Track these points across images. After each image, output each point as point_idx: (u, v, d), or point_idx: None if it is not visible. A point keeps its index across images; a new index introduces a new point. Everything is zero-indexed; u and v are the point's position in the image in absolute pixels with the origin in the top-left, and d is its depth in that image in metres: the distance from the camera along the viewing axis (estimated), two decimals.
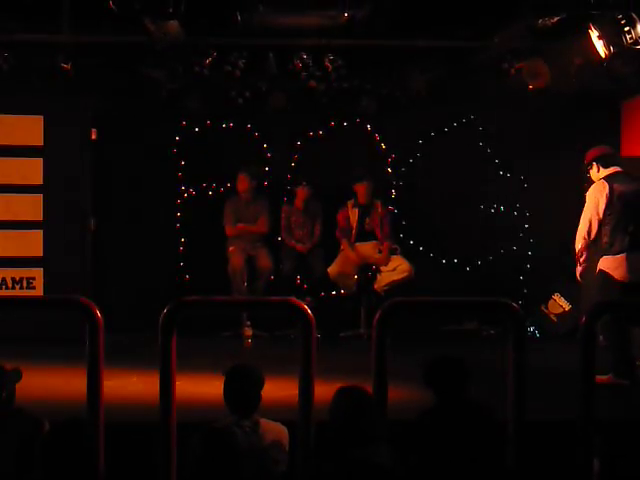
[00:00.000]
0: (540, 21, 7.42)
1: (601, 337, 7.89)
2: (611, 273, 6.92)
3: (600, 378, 6.31)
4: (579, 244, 7.01)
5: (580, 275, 7.12)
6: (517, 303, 4.61)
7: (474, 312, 9.19)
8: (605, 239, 6.93)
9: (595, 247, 7.03)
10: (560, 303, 9.47)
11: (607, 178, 7.02)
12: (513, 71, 8.93)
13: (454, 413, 4.50)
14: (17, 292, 8.96)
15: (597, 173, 7.15)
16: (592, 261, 7.06)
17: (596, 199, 6.96)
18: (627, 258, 6.89)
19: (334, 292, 9.70)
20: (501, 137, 9.76)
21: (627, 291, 6.88)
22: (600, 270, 6.96)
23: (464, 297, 7.78)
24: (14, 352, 6.97)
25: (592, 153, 7.27)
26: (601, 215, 6.92)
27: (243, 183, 9.47)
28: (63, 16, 8.11)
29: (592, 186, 7.10)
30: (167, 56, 8.75)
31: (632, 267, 6.89)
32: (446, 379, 4.56)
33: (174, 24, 7.76)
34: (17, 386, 4.75)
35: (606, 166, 7.14)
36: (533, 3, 6.92)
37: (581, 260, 7.01)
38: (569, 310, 9.22)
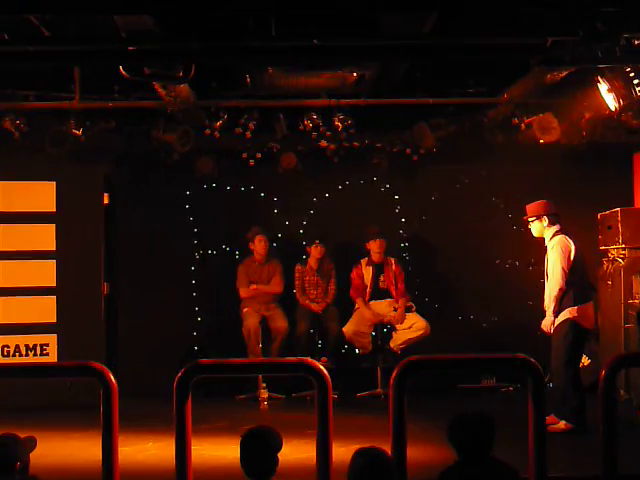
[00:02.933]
0: (549, 76, 7.45)
1: (622, 391, 7.87)
2: (580, 322, 7.30)
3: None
4: (554, 294, 7.26)
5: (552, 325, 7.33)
6: (535, 359, 4.56)
7: (492, 369, 9.12)
8: (570, 291, 7.28)
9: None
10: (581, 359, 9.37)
11: (564, 234, 7.39)
12: (523, 126, 8.96)
13: (478, 473, 4.39)
14: (31, 359, 8.92)
15: (545, 227, 7.48)
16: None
17: (567, 252, 7.32)
18: (587, 308, 7.40)
19: (349, 352, 9.61)
20: (513, 192, 9.74)
21: (587, 338, 7.77)
22: (569, 319, 7.27)
23: (481, 354, 7.70)
24: (29, 419, 6.94)
25: (544, 207, 7.54)
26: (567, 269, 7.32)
27: (261, 243, 9.46)
28: (75, 82, 8.21)
29: (557, 239, 7.38)
30: (178, 119, 8.82)
31: (592, 316, 7.53)
32: (473, 437, 4.45)
33: (184, 87, 7.83)
34: (32, 454, 4.69)
35: (554, 223, 7.50)
36: (542, 58, 6.94)
37: (553, 310, 7.28)
38: (588, 364, 9.10)
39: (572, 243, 7.36)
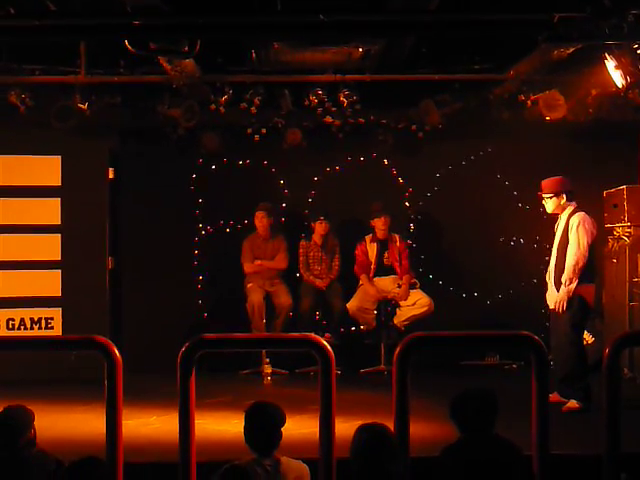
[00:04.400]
0: (555, 52, 7.42)
1: (626, 369, 7.88)
2: (587, 299, 7.28)
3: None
4: (579, 266, 7.19)
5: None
6: (539, 336, 4.56)
7: (496, 346, 9.13)
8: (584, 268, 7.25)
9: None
10: (583, 336, 9.37)
11: (583, 211, 7.35)
12: (529, 103, 8.93)
13: (481, 449, 4.41)
14: (36, 332, 8.96)
15: (561, 204, 7.40)
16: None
17: (592, 230, 7.29)
18: (593, 288, 7.40)
19: (354, 328, 9.64)
20: (519, 169, 9.73)
21: (591, 317, 7.77)
22: (578, 295, 7.21)
23: (485, 331, 7.72)
24: (33, 393, 6.97)
25: (563, 183, 7.47)
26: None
27: (261, 220, 9.46)
28: (80, 57, 8.19)
29: (581, 216, 7.29)
30: (183, 94, 8.80)
31: (594, 297, 7.48)
32: (475, 413, 4.46)
33: (190, 62, 7.81)
34: (36, 427, 4.72)
35: (571, 199, 7.45)
36: (548, 35, 6.90)
37: (569, 284, 7.21)
38: (592, 343, 9.11)
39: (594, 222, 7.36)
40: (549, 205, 7.49)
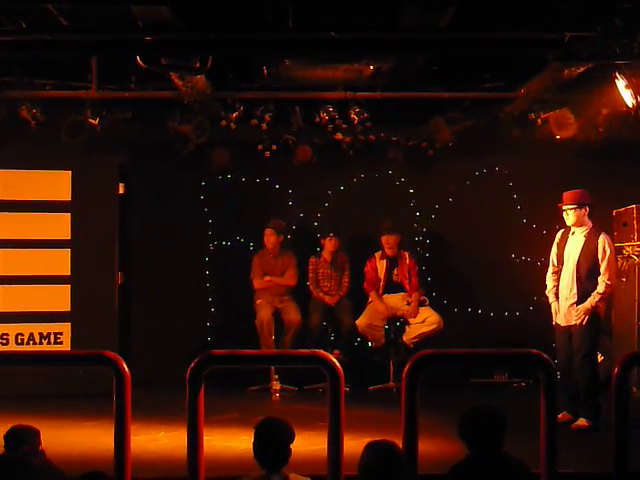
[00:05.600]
0: (566, 71, 7.43)
1: (634, 388, 7.85)
2: (601, 316, 7.44)
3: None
4: (611, 283, 7.35)
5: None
6: (547, 355, 4.55)
7: (505, 364, 9.10)
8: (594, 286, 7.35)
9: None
10: None
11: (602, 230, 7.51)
12: (540, 121, 8.93)
13: (489, 467, 4.39)
14: (45, 347, 8.95)
15: (583, 217, 7.43)
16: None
17: (613, 249, 7.45)
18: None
19: (362, 345, 9.61)
20: (528, 187, 9.72)
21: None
22: (596, 313, 7.33)
23: (494, 349, 7.69)
24: (42, 408, 6.97)
25: (588, 197, 7.51)
26: None
27: (270, 238, 9.47)
28: (91, 72, 8.22)
29: (607, 237, 7.44)
30: (194, 110, 8.83)
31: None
32: (484, 431, 4.44)
33: (201, 79, 7.84)
34: (45, 442, 4.72)
35: (590, 215, 7.50)
36: (559, 54, 6.92)
37: (599, 300, 7.35)
38: (601, 361, 9.07)
39: None
40: (571, 217, 7.44)
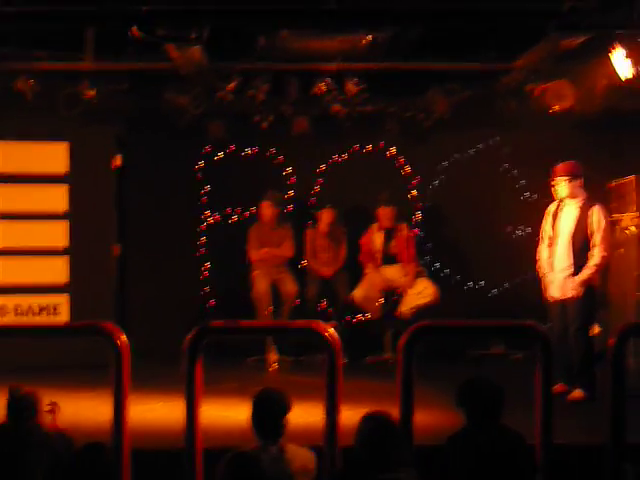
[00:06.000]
0: (564, 42, 7.39)
1: (631, 359, 7.88)
2: (595, 288, 7.48)
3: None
4: (606, 255, 7.33)
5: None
6: (544, 326, 4.57)
7: (501, 335, 9.13)
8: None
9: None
10: None
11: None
12: (537, 93, 8.89)
13: (486, 438, 4.42)
14: (43, 319, 8.98)
15: (577, 189, 7.42)
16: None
17: (608, 220, 7.44)
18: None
19: (359, 316, 9.65)
20: (526, 159, 9.71)
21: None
22: (592, 286, 7.38)
23: (490, 320, 7.72)
24: (40, 379, 6.99)
25: (580, 168, 7.51)
26: None
27: (266, 210, 9.47)
28: (87, 43, 8.18)
29: (599, 208, 7.38)
30: (191, 82, 8.80)
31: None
32: (483, 402, 4.47)
33: (197, 50, 7.81)
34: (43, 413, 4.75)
35: (583, 186, 7.49)
36: (557, 24, 6.88)
37: (595, 271, 7.38)
38: (598, 333, 9.10)
39: None
40: (563, 189, 7.45)
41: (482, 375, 4.66)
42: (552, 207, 7.62)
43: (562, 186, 7.44)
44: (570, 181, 7.39)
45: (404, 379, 4.37)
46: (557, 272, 7.43)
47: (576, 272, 7.31)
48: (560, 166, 7.48)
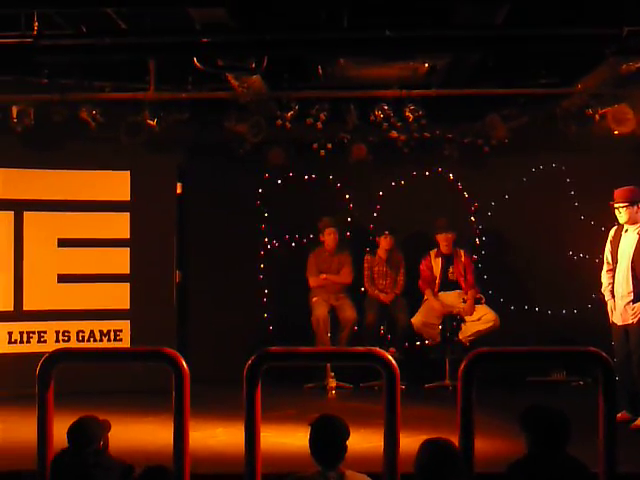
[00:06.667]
0: (624, 66, 7.34)
1: None
2: None
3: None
4: None
5: None
6: (606, 353, 4.52)
7: (562, 362, 9.03)
8: None
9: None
10: None
11: None
12: (597, 117, 8.83)
13: (549, 465, 4.36)
14: (105, 344, 9.10)
15: (636, 214, 7.33)
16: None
17: None
18: None
19: (418, 342, 9.63)
20: (586, 184, 9.63)
21: None
22: None
23: (551, 347, 7.64)
24: (103, 403, 7.09)
25: (639, 193, 7.37)
26: None
27: (330, 236, 9.50)
28: (149, 74, 8.33)
29: None
30: (250, 110, 8.90)
31: None
32: (548, 429, 4.41)
33: (257, 79, 7.90)
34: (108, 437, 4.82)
35: None
36: (617, 48, 6.84)
37: None
38: None
39: None
40: (623, 215, 7.37)
41: (541, 402, 4.61)
42: (612, 232, 7.54)
43: (621, 212, 7.36)
44: (629, 207, 7.31)
45: (464, 406, 4.36)
46: (618, 299, 7.34)
47: (637, 298, 7.21)
48: (619, 191, 7.42)
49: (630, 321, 7.23)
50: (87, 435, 4.65)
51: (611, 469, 4.32)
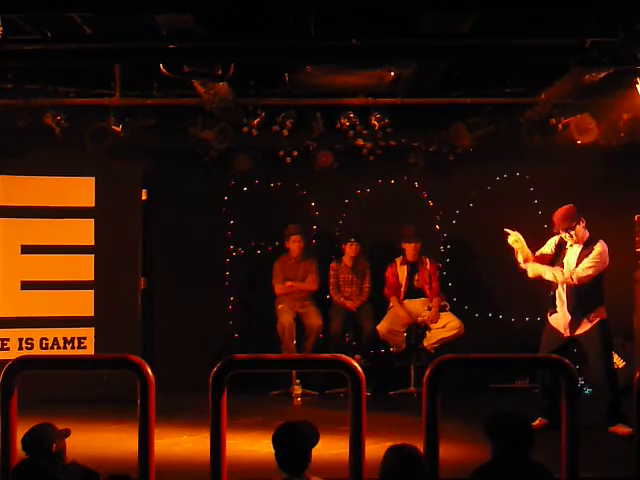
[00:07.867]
0: (587, 76, 7.42)
1: None
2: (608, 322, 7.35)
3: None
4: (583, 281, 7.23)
5: None
6: (569, 360, 4.56)
7: (526, 369, 9.10)
8: (598, 292, 7.34)
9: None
10: (614, 360, 9.31)
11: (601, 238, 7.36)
12: (561, 127, 8.92)
13: (513, 471, 4.39)
14: (69, 352, 9.03)
15: (581, 230, 7.33)
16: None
17: (606, 260, 7.30)
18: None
19: (384, 350, 9.65)
20: (549, 193, 9.71)
21: None
22: (604, 319, 7.29)
23: (515, 354, 7.70)
24: (66, 411, 7.04)
25: (575, 209, 7.38)
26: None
27: (296, 244, 9.51)
28: (115, 80, 8.30)
29: (602, 246, 7.28)
30: (216, 117, 8.89)
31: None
32: (512, 434, 4.44)
33: (223, 86, 7.90)
34: (68, 445, 4.77)
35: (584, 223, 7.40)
36: (580, 59, 6.92)
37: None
38: (623, 367, 9.05)
39: None
40: (577, 234, 7.33)
41: (505, 409, 4.64)
42: (557, 238, 7.54)
43: (575, 233, 7.33)
44: (570, 230, 7.32)
45: (428, 412, 4.38)
46: (564, 310, 7.39)
47: (586, 310, 7.27)
48: (561, 214, 7.37)
49: (582, 331, 7.29)
50: (39, 441, 4.60)
51: (573, 474, 4.36)
